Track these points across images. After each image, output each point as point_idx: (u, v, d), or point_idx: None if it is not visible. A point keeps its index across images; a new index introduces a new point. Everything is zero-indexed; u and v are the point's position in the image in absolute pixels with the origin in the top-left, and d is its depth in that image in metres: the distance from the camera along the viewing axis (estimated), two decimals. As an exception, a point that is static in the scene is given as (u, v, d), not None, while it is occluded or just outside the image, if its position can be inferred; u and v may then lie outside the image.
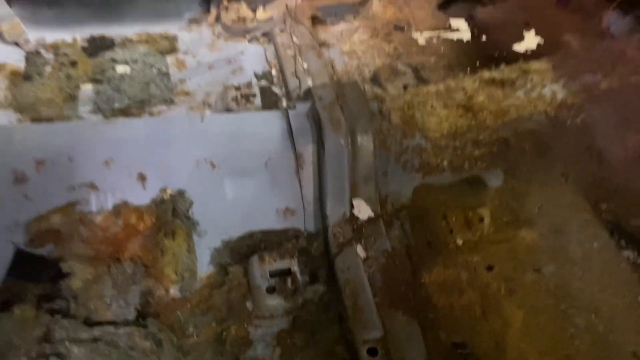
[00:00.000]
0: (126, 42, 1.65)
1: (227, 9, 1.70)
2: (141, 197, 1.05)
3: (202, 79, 1.56)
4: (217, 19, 1.71)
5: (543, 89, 1.20)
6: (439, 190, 1.16)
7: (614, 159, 1.17)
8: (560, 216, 1.13)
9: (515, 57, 1.66)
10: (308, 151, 1.11)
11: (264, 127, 1.14)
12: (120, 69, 1.57)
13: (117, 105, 1.45)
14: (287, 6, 1.70)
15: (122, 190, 1.04)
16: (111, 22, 1.68)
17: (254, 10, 1.72)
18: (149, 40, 1.67)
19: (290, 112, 1.15)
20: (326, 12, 1.73)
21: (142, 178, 1.05)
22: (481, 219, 1.13)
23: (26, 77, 1.50)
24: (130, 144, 1.07)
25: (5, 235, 0.99)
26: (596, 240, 1.10)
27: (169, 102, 1.49)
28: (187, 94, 1.52)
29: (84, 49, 1.62)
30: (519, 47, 1.75)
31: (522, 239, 1.10)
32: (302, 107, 1.16)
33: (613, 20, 1.66)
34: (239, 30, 1.68)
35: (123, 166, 1.04)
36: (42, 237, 1.00)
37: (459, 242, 1.10)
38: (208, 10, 1.74)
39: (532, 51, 1.73)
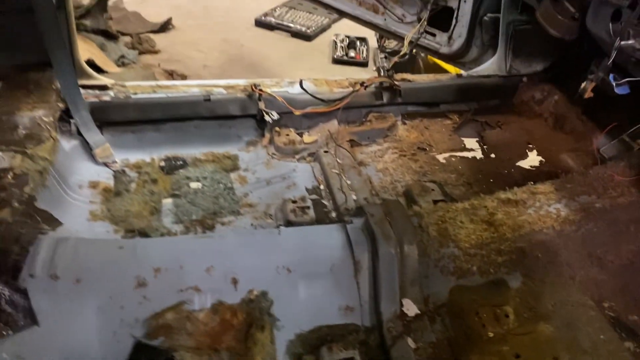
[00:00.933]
0: (196, 162, 1.98)
1: (278, 133, 2.05)
2: (233, 297, 1.30)
3: (262, 193, 1.86)
4: (271, 141, 2.05)
5: (549, 207, 1.50)
6: (470, 291, 1.41)
7: (611, 264, 1.45)
8: (570, 312, 1.38)
9: (521, 173, 2.00)
10: (364, 258, 1.38)
11: (328, 238, 1.42)
12: (193, 185, 1.88)
13: (194, 217, 1.75)
14: (329, 131, 2.05)
15: (220, 292, 1.30)
16: (183, 144, 2.02)
17: (301, 135, 2.06)
18: (215, 159, 2.00)
19: (349, 227, 1.43)
20: (361, 136, 2.08)
21: (234, 282, 1.31)
22: (507, 315, 1.37)
23: (116, 193, 1.80)
24: (226, 254, 1.35)
25: (127, 330, 1.24)
26: (602, 333, 1.34)
27: (236, 213, 1.79)
28: (250, 205, 1.82)
29: (161, 168, 1.94)
30: (524, 164, 2.08)
31: (541, 331, 1.34)
32: (358, 222, 1.45)
33: (602, 143, 2.00)
34: (289, 151, 2.01)
35: (220, 272, 1.31)
36: (157, 331, 1.24)
37: (490, 334, 1.34)
38: (263, 135, 2.08)
39: (535, 167, 2.06)
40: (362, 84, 2.07)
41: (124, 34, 3.66)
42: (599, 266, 1.44)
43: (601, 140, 2.00)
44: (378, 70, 2.17)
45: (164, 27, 3.93)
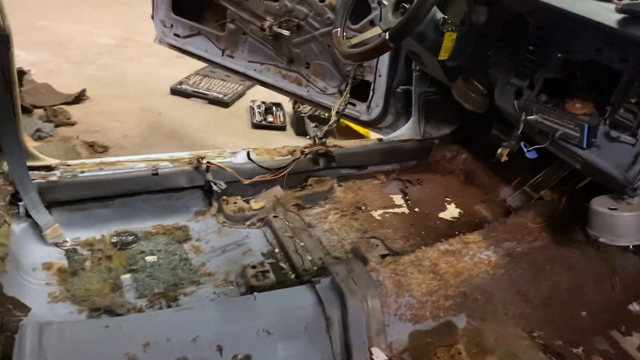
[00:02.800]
0: (147, 235, 2.03)
1: (226, 202, 2.16)
2: (219, 363, 1.39)
3: (219, 261, 1.95)
4: (219, 210, 2.16)
5: (481, 255, 1.76)
6: (426, 334, 1.60)
7: (534, 299, 1.72)
8: (509, 344, 1.62)
9: (445, 224, 2.28)
10: (334, 314, 1.53)
11: (301, 299, 1.55)
12: (149, 258, 1.93)
13: (155, 290, 1.79)
14: (275, 197, 2.20)
15: (207, 359, 1.37)
16: (132, 219, 2.06)
17: (248, 202, 2.19)
18: (166, 231, 2.06)
19: (317, 286, 1.58)
20: (305, 199, 2.25)
21: (219, 349, 1.39)
22: (459, 352, 1.58)
23: (72, 272, 1.80)
24: (209, 323, 1.43)
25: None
26: (536, 358, 1.59)
27: (197, 283, 1.85)
28: (210, 274, 1.89)
29: (113, 244, 1.96)
30: (445, 215, 2.37)
31: (489, 363, 1.56)
32: (325, 281, 1.60)
33: (508, 193, 2.35)
34: (239, 219, 2.12)
35: (205, 341, 1.38)
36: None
37: (448, 371, 1.53)
38: (210, 204, 2.18)
39: (456, 218, 2.36)
40: (302, 152, 2.26)
41: (36, 107, 3.59)
42: (525, 301, 1.70)
43: (506, 192, 2.35)
44: (313, 138, 2.37)
45: (78, 98, 3.90)
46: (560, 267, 1.77)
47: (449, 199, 2.44)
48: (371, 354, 1.51)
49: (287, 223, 2.08)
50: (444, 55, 1.79)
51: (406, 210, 2.35)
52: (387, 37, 1.63)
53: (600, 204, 1.46)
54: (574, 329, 1.68)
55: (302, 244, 1.97)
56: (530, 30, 1.71)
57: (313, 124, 3.56)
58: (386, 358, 1.52)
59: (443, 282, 1.67)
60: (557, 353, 1.61)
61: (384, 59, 2.51)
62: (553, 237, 1.82)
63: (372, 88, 2.62)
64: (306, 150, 2.29)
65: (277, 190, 2.23)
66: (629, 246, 1.51)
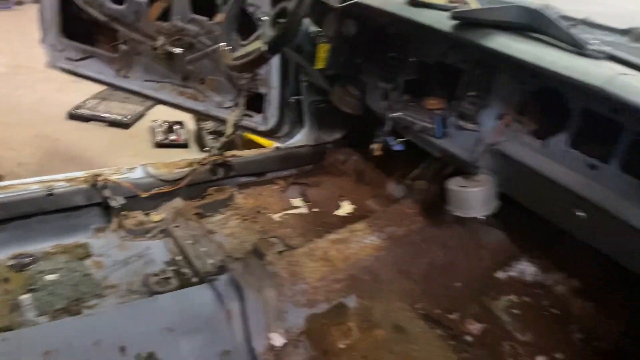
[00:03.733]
0: (47, 255, 2.03)
1: (126, 216, 2.21)
2: (123, 363, 1.45)
3: (122, 273, 1.99)
4: (119, 225, 2.20)
5: (366, 240, 1.95)
6: (321, 316, 1.75)
7: (414, 275, 1.93)
8: (395, 317, 1.81)
9: (339, 220, 2.46)
10: (234, 307, 1.64)
11: (200, 296, 1.65)
12: (49, 277, 1.93)
13: (57, 306, 1.80)
14: (175, 208, 2.28)
15: (110, 360, 1.44)
16: (30, 241, 2.05)
17: (148, 215, 2.25)
18: (66, 250, 2.07)
19: (216, 283, 1.68)
20: (205, 208, 2.35)
21: (122, 349, 1.46)
22: (350, 329, 1.75)
23: (-34, 298, 1.77)
24: (111, 327, 1.49)
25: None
26: (418, 327, 1.78)
27: (100, 295, 1.89)
28: (112, 287, 1.93)
29: (10, 267, 1.95)
30: (340, 212, 2.56)
31: (378, 335, 1.73)
32: (223, 277, 1.71)
33: (393, 187, 2.59)
34: (140, 232, 2.18)
35: (108, 344, 1.45)
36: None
37: (342, 346, 1.69)
38: (110, 220, 2.22)
39: (350, 214, 2.55)
40: (199, 162, 2.36)
41: None
42: (407, 278, 1.91)
43: (391, 186, 2.58)
44: (209, 150, 2.48)
45: (-34, 128, 3.73)
46: (435, 245, 2.00)
47: (343, 197, 2.63)
48: (270, 339, 1.64)
49: (188, 231, 2.17)
50: (320, 64, 1.99)
51: (305, 211, 2.51)
52: (264, 48, 1.79)
53: (453, 184, 1.70)
54: (450, 298, 1.91)
55: (203, 249, 2.06)
56: (391, 39, 1.95)
57: (210, 136, 3.65)
58: (284, 341, 1.65)
59: (334, 268, 1.83)
60: (436, 320, 1.82)
61: (274, 72, 2.67)
62: (427, 220, 2.05)
63: (266, 100, 2.77)
64: (203, 161, 2.39)
65: (177, 202, 2.31)
66: (480, 217, 1.74)
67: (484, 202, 1.66)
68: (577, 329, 1.82)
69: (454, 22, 1.56)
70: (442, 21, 1.61)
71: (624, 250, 1.41)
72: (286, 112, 2.80)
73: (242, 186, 2.55)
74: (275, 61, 2.62)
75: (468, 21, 1.52)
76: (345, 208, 2.57)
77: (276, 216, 2.40)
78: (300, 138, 2.79)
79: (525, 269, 2.04)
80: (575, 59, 1.32)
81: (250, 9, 2.47)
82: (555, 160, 1.46)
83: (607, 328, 1.80)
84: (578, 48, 1.35)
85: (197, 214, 2.30)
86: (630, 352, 1.75)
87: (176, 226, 2.20)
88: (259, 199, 2.50)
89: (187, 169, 2.36)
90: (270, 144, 3.51)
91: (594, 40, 1.43)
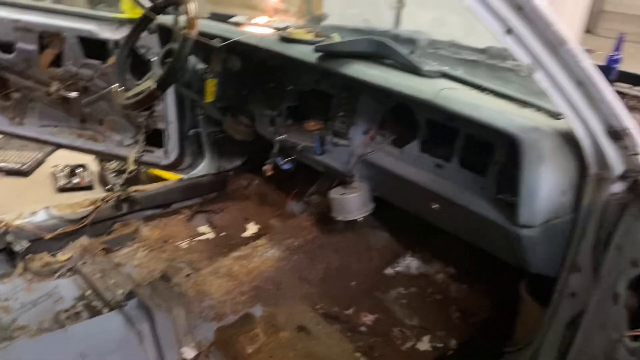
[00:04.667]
0: (-51, 306, 2.02)
1: (32, 259, 2.24)
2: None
3: (32, 314, 2.02)
4: (25, 269, 2.22)
5: (267, 254, 2.14)
6: (229, 327, 1.90)
7: (313, 279, 2.14)
8: (298, 319, 1.99)
9: (245, 241, 2.62)
10: (145, 328, 1.75)
11: (111, 322, 1.75)
12: (-46, 326, 1.93)
13: (-35, 351, 1.81)
14: (82, 245, 2.34)
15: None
16: None
17: (55, 255, 2.30)
18: (-32, 298, 2.07)
19: (125, 308, 1.79)
20: (112, 243, 2.42)
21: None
22: (257, 335, 1.91)
23: None
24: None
25: None
26: (320, 325, 1.98)
27: (9, 338, 1.91)
28: (22, 328, 1.96)
29: None
30: (246, 234, 2.72)
31: (283, 337, 1.91)
32: (132, 302, 1.82)
33: (294, 205, 2.80)
34: (47, 272, 2.21)
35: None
36: None
37: (250, 350, 1.84)
38: (15, 265, 2.24)
39: (255, 234, 2.72)
40: (103, 199, 2.44)
41: None
42: (307, 283, 2.11)
43: (292, 204, 2.79)
44: (112, 188, 2.57)
45: None
46: (329, 251, 2.22)
47: (248, 220, 2.80)
48: (181, 353, 1.76)
49: (97, 266, 2.24)
50: (209, 98, 2.17)
51: (211, 236, 2.66)
52: (154, 86, 1.95)
53: (334, 193, 1.94)
54: (346, 296, 2.13)
55: (112, 281, 2.15)
56: (271, 71, 2.18)
57: (112, 174, 3.70)
58: (195, 353, 1.78)
59: (238, 282, 2.00)
60: (334, 317, 2.03)
61: (171, 108, 2.82)
62: (322, 229, 2.28)
63: (165, 135, 2.90)
64: (107, 198, 2.48)
65: (84, 240, 2.37)
66: (359, 218, 1.98)
67: (361, 205, 1.91)
68: (455, 309, 2.10)
69: (318, 55, 1.81)
70: (309, 54, 1.86)
71: (472, 232, 1.70)
72: (186, 145, 2.95)
73: (148, 219, 2.65)
74: (171, 97, 2.77)
75: (329, 53, 1.78)
76: (251, 229, 2.74)
77: (183, 244, 2.53)
78: (203, 168, 2.95)
79: (410, 263, 2.31)
80: (414, 80, 1.61)
81: (142, 51, 2.62)
82: (411, 164, 1.74)
83: (479, 305, 2.09)
84: (417, 70, 1.64)
85: (104, 249, 2.38)
86: (499, 322, 2.04)
87: (84, 263, 2.26)
88: (165, 229, 2.61)
89: (91, 207, 2.43)
90: (177, 177, 3.63)
91: (432, 63, 1.74)
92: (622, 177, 1.34)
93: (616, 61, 2.67)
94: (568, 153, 1.33)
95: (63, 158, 4.15)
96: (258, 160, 3.04)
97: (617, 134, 1.24)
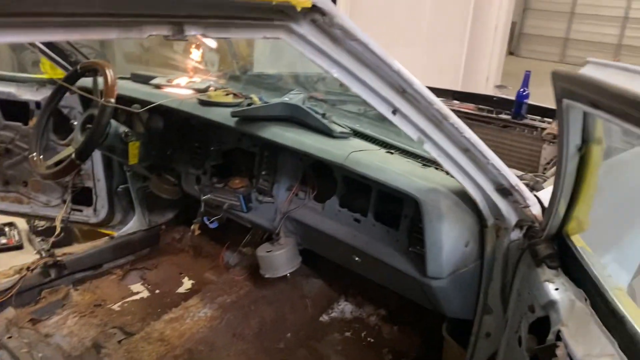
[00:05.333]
0: None
1: (-48, 338, 2.14)
2: None
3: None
4: (-56, 349, 2.12)
5: (200, 313, 2.14)
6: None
7: (247, 336, 2.15)
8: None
9: (180, 297, 2.60)
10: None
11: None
12: None
13: None
14: (7, 319, 2.26)
15: None
16: None
17: (-24, 333, 2.20)
18: None
19: None
20: (40, 312, 2.35)
21: None
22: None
23: None
24: None
25: None
26: None
27: None
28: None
29: None
30: (182, 290, 2.70)
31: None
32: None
33: (228, 256, 2.81)
34: (-31, 350, 2.12)
35: None
36: None
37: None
38: None
39: (190, 289, 2.71)
40: (28, 268, 2.37)
41: None
42: (241, 340, 2.12)
43: (226, 255, 2.80)
44: (39, 253, 2.49)
45: None
46: (263, 304, 2.25)
47: (182, 274, 2.79)
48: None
49: (23, 340, 2.16)
50: (133, 160, 2.18)
51: (145, 295, 2.62)
52: (73, 156, 1.94)
53: (261, 250, 1.98)
54: (282, 349, 2.15)
55: (40, 354, 2.08)
56: (195, 131, 2.22)
57: (39, 239, 3.59)
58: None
59: (170, 346, 1.99)
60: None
61: (99, 165, 2.79)
62: (254, 283, 2.31)
63: (93, 193, 2.86)
64: (33, 266, 2.41)
65: (9, 312, 2.28)
66: (287, 274, 2.03)
67: (288, 261, 1.96)
68: (387, 350, 2.17)
69: (235, 119, 1.87)
70: (227, 117, 1.92)
71: (392, 281, 1.78)
72: (116, 201, 2.91)
73: (78, 282, 2.59)
74: (97, 154, 2.75)
75: (246, 117, 1.84)
76: (186, 285, 2.73)
77: (116, 306, 2.48)
78: (134, 224, 2.91)
79: (344, 307, 2.37)
80: (326, 142, 1.69)
81: (66, 110, 2.60)
82: (332, 219, 1.81)
83: (409, 345, 2.17)
84: (329, 132, 1.73)
85: (31, 320, 2.30)
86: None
87: (9, 337, 2.18)
88: (96, 292, 2.56)
89: (16, 277, 2.35)
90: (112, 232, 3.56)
91: (347, 121, 1.84)
92: (519, 226, 1.46)
93: (526, 97, 2.89)
94: (466, 208, 1.44)
95: (-11, 218, 3.97)
96: (190, 212, 3.05)
97: (506, 191, 1.35)
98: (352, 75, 1.08)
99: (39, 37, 0.86)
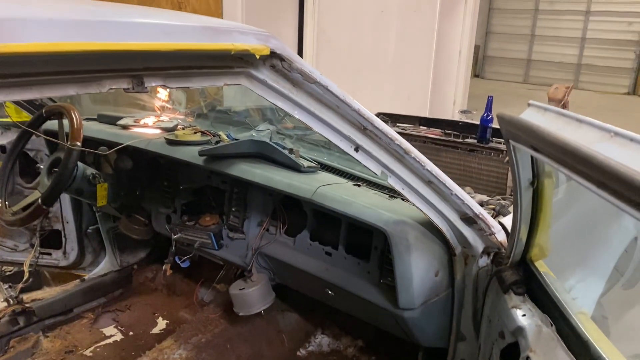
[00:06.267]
0: None
1: None
2: None
3: None
4: None
5: (174, 355, 2.10)
6: None
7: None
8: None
9: (154, 339, 2.55)
10: None
11: None
12: None
13: None
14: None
15: None
16: None
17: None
18: None
19: None
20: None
21: None
22: None
23: None
24: None
25: None
26: None
27: None
28: None
29: None
30: (156, 330, 2.65)
31: None
32: None
33: (203, 293, 2.77)
34: None
35: None
36: None
37: None
38: None
39: (164, 329, 2.65)
40: (-6, 318, 2.30)
41: None
42: None
43: (201, 291, 2.76)
44: (7, 300, 2.42)
45: None
46: (239, 342, 2.22)
47: (157, 314, 2.74)
48: None
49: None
50: (101, 202, 2.15)
51: (119, 337, 2.56)
52: (39, 202, 1.91)
53: (234, 288, 1.97)
54: (260, 386, 2.12)
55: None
56: (163, 169, 2.21)
57: (6, 285, 3.49)
58: None
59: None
60: None
61: (67, 207, 2.75)
62: (229, 320, 2.28)
63: (63, 235, 2.81)
64: (0, 314, 2.33)
65: (-26, 365, 2.21)
66: (261, 311, 2.02)
67: (261, 298, 1.95)
68: (366, 382, 2.16)
69: (202, 158, 1.87)
70: (195, 156, 1.92)
71: (366, 313, 1.79)
72: (86, 243, 2.86)
73: (48, 329, 2.52)
74: (66, 196, 2.71)
75: (213, 156, 1.85)
76: (160, 324, 2.67)
77: (88, 351, 2.41)
78: (105, 266, 2.86)
79: (321, 340, 2.35)
80: (294, 177, 1.71)
81: (32, 153, 2.57)
82: (303, 253, 1.82)
83: (389, 375, 2.16)
84: (296, 167, 1.74)
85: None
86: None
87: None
88: (67, 338, 2.49)
89: (-19, 328, 2.28)
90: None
91: (315, 154, 1.87)
92: (486, 253, 1.49)
93: (490, 121, 2.97)
94: (434, 238, 1.46)
95: (-47, 265, 3.84)
96: (162, 251, 3.02)
97: (470, 220, 1.38)
98: (313, 116, 1.11)
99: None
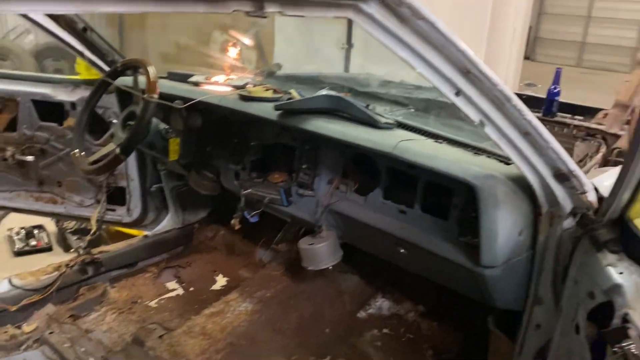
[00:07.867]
0: None
1: (-6, 334, 2.16)
2: None
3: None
4: (-12, 344, 2.14)
5: (240, 307, 2.14)
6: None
7: (287, 330, 2.14)
8: None
9: (215, 294, 2.61)
10: None
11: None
12: None
13: None
14: (47, 315, 2.28)
15: None
16: None
17: (20, 327, 2.22)
18: None
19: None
20: (79, 309, 2.37)
21: None
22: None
23: None
24: None
25: None
26: None
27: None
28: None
29: None
30: (216, 287, 2.71)
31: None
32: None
33: (262, 253, 2.81)
34: (12, 346, 2.14)
35: None
36: None
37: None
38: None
39: (225, 286, 2.71)
40: (67, 265, 2.40)
41: None
42: (281, 334, 2.12)
43: (260, 252, 2.80)
44: (77, 250, 2.52)
45: None
46: (301, 299, 2.24)
47: (216, 272, 2.80)
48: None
49: (65, 335, 2.18)
50: (173, 156, 2.19)
51: (181, 292, 2.63)
52: (118, 151, 1.96)
53: (303, 243, 1.98)
54: (321, 344, 2.14)
55: (82, 349, 2.09)
56: (233, 127, 2.23)
57: (75, 237, 3.63)
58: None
59: (212, 340, 1.99)
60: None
61: (132, 165, 2.82)
62: (291, 278, 2.31)
63: (127, 192, 2.89)
64: (71, 263, 2.43)
65: (49, 308, 2.30)
66: (329, 267, 2.02)
67: (330, 254, 1.95)
68: (428, 346, 2.15)
69: (278, 112, 1.88)
70: (269, 111, 1.92)
71: (439, 273, 1.77)
72: (149, 201, 2.93)
73: (115, 280, 2.61)
74: (131, 155, 2.77)
75: (288, 110, 1.85)
76: (220, 281, 2.73)
77: (152, 303, 2.49)
78: (167, 223, 2.93)
79: (382, 304, 2.36)
80: (371, 132, 1.69)
81: (100, 111, 2.63)
82: (375, 211, 1.80)
83: (451, 341, 2.15)
84: (374, 123, 1.73)
85: (71, 316, 2.32)
86: (471, 356, 2.10)
87: (51, 332, 2.20)
88: (132, 289, 2.57)
89: (55, 274, 2.38)
90: (140, 233, 3.58)
91: (388, 114, 1.84)
92: (572, 214, 1.44)
93: (557, 94, 2.87)
94: (521, 195, 1.42)
95: (17, 220, 4.02)
96: (223, 210, 3.07)
97: (564, 176, 1.34)
98: (417, 55, 1.08)
99: (133, 9, 0.87)
